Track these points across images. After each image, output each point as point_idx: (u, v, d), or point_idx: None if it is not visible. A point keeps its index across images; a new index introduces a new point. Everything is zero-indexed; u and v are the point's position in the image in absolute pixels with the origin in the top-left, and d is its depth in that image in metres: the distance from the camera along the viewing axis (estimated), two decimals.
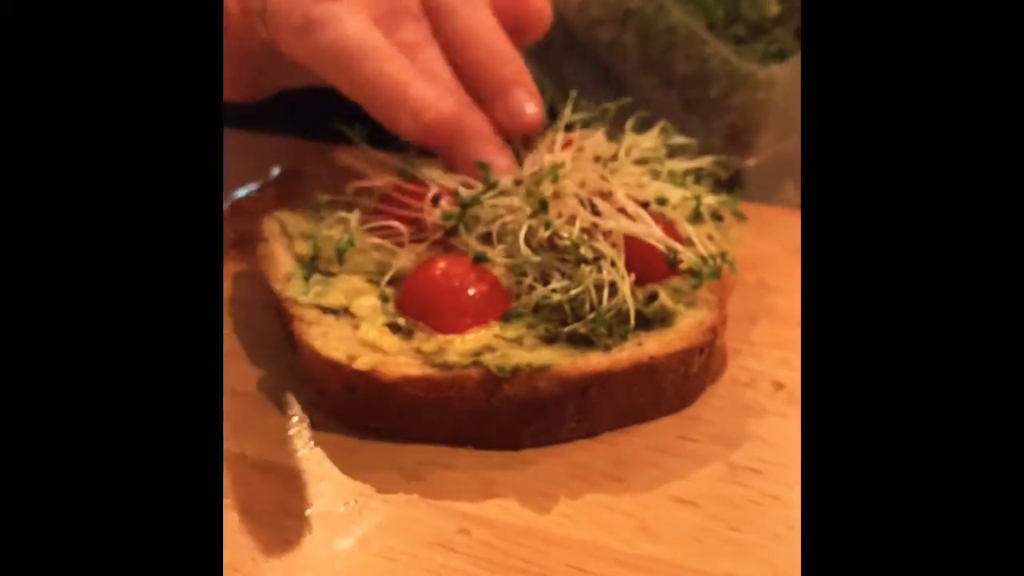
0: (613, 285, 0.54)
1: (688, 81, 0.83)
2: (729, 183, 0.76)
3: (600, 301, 0.54)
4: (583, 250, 0.55)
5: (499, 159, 0.60)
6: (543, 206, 0.57)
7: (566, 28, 0.92)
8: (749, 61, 0.79)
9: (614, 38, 0.88)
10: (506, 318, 0.55)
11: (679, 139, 0.68)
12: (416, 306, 0.55)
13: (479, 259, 0.55)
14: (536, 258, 0.55)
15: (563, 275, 0.55)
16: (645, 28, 0.84)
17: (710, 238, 0.61)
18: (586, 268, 0.54)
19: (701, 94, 0.82)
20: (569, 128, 0.67)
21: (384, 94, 0.59)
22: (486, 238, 0.58)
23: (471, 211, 0.58)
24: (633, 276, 0.55)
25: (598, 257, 0.55)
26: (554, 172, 0.59)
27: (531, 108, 0.62)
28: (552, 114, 0.67)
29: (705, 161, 0.68)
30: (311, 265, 0.59)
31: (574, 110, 0.67)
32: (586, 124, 0.67)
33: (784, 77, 0.78)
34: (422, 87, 0.60)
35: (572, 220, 0.57)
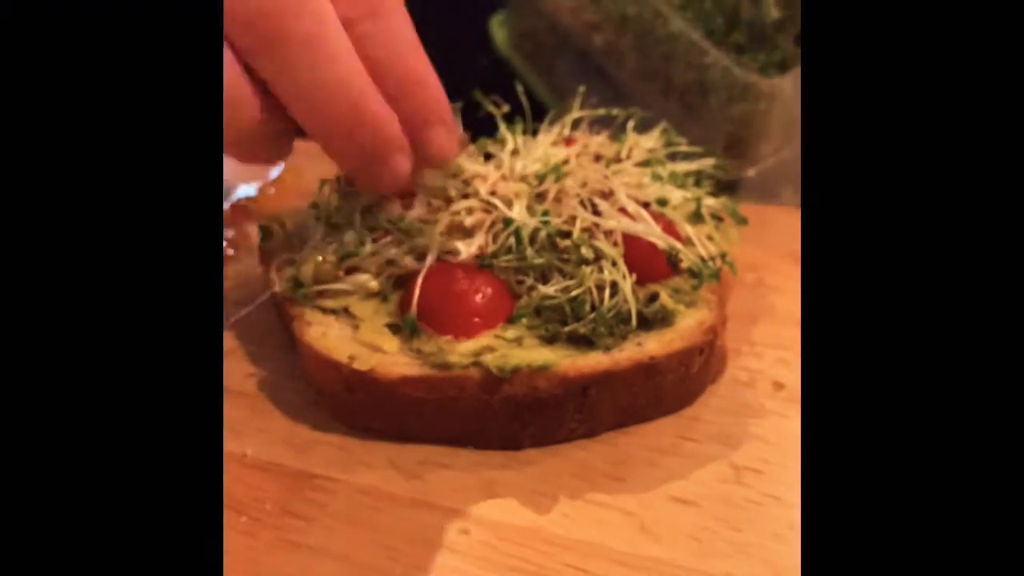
0: (614, 285, 0.54)
1: (688, 90, 0.81)
2: (729, 185, 0.76)
3: (601, 301, 0.54)
4: (584, 250, 0.55)
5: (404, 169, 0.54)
6: (545, 213, 0.57)
7: (559, 30, 0.91)
8: (750, 71, 0.78)
9: (610, 44, 0.87)
10: (508, 319, 0.55)
11: (681, 142, 0.68)
12: (424, 313, 0.54)
13: (485, 265, 0.55)
14: (539, 259, 0.55)
15: (563, 275, 0.55)
16: (643, 36, 0.83)
17: (710, 239, 0.61)
18: (587, 268, 0.54)
19: (701, 103, 0.80)
20: (574, 127, 0.67)
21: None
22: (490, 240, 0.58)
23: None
24: (634, 276, 0.55)
25: (599, 257, 0.55)
26: (557, 172, 0.59)
27: (449, 147, 0.55)
28: (539, 115, 0.67)
29: (706, 163, 0.68)
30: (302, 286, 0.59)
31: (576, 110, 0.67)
32: (589, 124, 0.67)
33: (785, 88, 0.77)
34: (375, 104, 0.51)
35: (573, 220, 0.57)
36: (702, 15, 0.81)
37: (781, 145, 0.80)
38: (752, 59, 0.79)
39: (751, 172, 0.80)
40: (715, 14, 0.81)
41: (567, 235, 0.56)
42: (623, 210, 0.58)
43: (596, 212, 0.58)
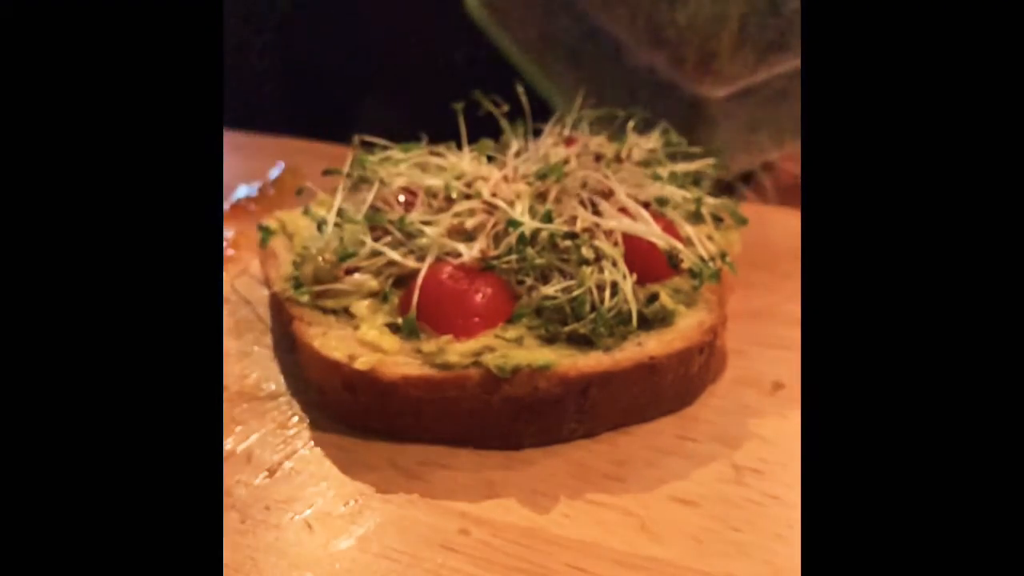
0: (614, 285, 0.54)
1: (655, 7, 0.77)
2: (728, 186, 0.75)
3: (601, 301, 0.54)
4: (584, 250, 0.55)
5: None
6: (548, 216, 0.57)
7: None
8: None
9: None
10: (508, 319, 0.55)
11: (681, 142, 0.68)
12: (424, 313, 0.54)
13: (487, 267, 0.55)
14: (541, 260, 0.55)
15: (564, 275, 0.55)
16: None
17: (710, 239, 0.61)
18: (587, 269, 0.54)
19: (668, 20, 0.76)
20: (574, 127, 0.67)
21: None
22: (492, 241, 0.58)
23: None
24: (634, 276, 0.55)
25: (599, 257, 0.55)
26: (558, 171, 0.59)
27: None
28: (540, 115, 0.66)
29: (706, 163, 0.68)
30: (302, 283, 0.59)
31: (579, 110, 0.67)
32: (590, 124, 0.67)
33: None
34: None
35: (573, 220, 0.57)
36: None
37: (755, 66, 0.75)
38: None
39: (721, 93, 0.76)
40: None
41: (569, 236, 0.56)
42: (623, 210, 0.58)
43: (596, 212, 0.58)
